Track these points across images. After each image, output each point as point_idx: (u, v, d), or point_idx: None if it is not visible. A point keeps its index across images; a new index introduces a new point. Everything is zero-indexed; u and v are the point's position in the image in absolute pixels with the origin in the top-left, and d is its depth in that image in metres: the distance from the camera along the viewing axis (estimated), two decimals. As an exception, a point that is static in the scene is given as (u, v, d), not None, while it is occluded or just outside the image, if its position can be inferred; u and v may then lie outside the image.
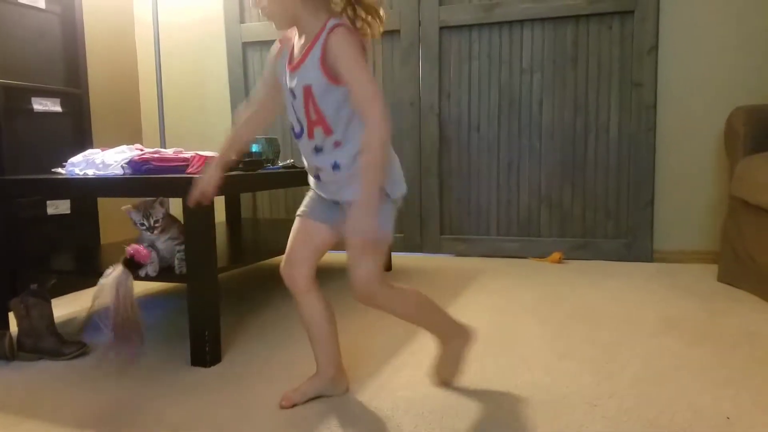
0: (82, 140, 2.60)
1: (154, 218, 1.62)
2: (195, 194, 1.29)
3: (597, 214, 2.91)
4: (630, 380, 1.41)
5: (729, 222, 2.32)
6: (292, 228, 1.30)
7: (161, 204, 1.64)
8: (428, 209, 3.14)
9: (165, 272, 1.66)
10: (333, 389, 1.34)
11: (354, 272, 1.18)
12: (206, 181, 1.29)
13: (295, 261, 1.28)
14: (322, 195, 1.27)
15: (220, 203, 1.39)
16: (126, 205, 1.65)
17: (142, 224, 1.62)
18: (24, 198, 2.31)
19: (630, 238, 2.84)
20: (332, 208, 1.27)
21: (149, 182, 1.62)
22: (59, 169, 2.03)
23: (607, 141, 2.86)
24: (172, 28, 3.43)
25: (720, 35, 2.67)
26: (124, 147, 1.85)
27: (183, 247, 1.60)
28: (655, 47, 2.72)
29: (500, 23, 2.94)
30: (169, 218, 1.67)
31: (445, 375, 1.40)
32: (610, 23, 2.80)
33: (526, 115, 2.96)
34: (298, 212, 1.31)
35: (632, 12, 2.74)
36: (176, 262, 1.63)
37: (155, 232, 1.62)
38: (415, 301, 1.34)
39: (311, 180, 1.29)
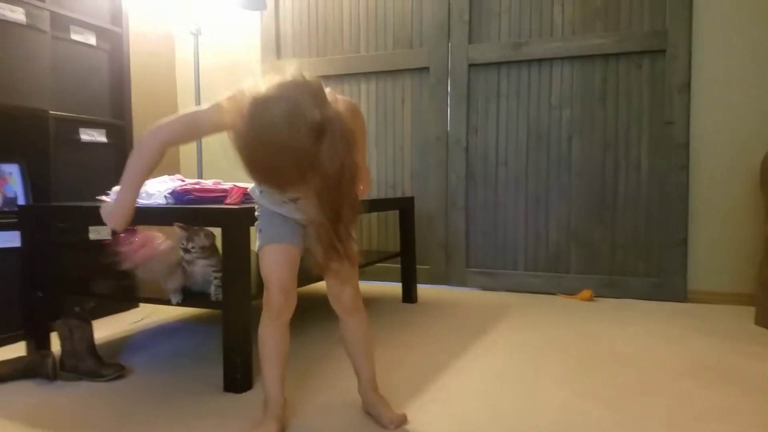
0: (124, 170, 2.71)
1: (193, 244, 1.70)
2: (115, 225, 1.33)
3: (627, 252, 2.90)
4: (656, 423, 1.41)
5: (766, 263, 2.30)
6: (275, 257, 1.32)
7: (206, 236, 1.72)
8: (454, 242, 3.17)
9: (200, 298, 1.73)
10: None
11: (352, 283, 1.36)
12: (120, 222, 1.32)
13: (291, 292, 1.33)
14: (296, 217, 1.31)
15: (254, 233, 1.46)
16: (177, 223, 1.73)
17: (182, 244, 1.70)
18: (68, 224, 2.41)
19: (662, 277, 2.82)
20: (297, 229, 1.33)
21: (190, 212, 1.69)
22: (103, 197, 2.12)
23: (637, 179, 2.87)
24: (211, 65, 3.57)
25: (754, 73, 2.67)
26: (165, 177, 1.93)
27: (219, 275, 1.66)
28: (687, 85, 2.73)
29: (529, 61, 3.00)
30: (214, 248, 1.75)
31: (397, 417, 1.40)
32: (640, 62, 2.83)
33: (554, 151, 2.99)
34: (273, 240, 1.32)
35: (663, 51, 2.77)
36: (212, 288, 1.70)
37: (189, 256, 1.70)
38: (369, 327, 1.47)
39: (282, 207, 1.32)
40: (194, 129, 1.29)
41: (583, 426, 1.39)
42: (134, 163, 1.27)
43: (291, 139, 1.01)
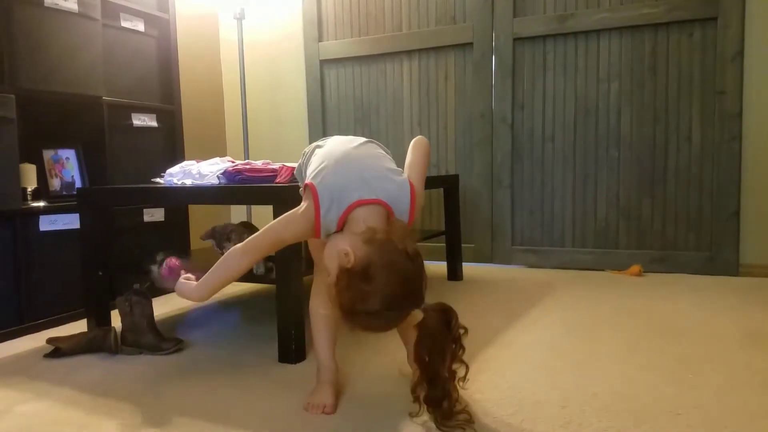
0: (175, 153, 2.79)
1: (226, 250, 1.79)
2: None
3: (678, 226, 2.83)
4: (714, 392, 1.39)
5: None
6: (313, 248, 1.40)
7: (236, 233, 1.80)
8: (499, 220, 3.15)
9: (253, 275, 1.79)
10: None
11: None
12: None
13: None
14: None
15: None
16: (202, 232, 1.83)
17: (217, 250, 1.80)
18: (126, 206, 2.49)
19: (713, 250, 2.75)
20: None
21: (243, 191, 1.73)
22: (157, 179, 2.19)
23: (688, 151, 2.79)
24: (255, 48, 3.61)
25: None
26: (217, 159, 1.99)
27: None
28: (740, 53, 2.63)
29: (575, 33, 2.93)
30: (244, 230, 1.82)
31: None
32: (691, 31, 2.74)
33: (603, 125, 2.93)
34: None
35: (715, 19, 2.67)
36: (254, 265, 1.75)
37: None
38: None
39: None
40: (280, 244, 1.36)
41: (644, 395, 1.38)
42: (219, 273, 1.32)
43: (388, 320, 1.15)
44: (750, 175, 2.69)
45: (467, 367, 1.18)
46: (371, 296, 1.09)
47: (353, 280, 1.11)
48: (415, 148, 1.43)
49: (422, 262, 1.15)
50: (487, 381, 1.49)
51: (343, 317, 1.14)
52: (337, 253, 1.15)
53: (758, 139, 2.66)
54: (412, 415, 1.26)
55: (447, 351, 1.14)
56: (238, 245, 1.31)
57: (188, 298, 1.37)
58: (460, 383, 1.19)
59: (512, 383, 1.48)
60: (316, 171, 1.28)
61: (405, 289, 1.11)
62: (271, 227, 1.29)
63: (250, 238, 1.31)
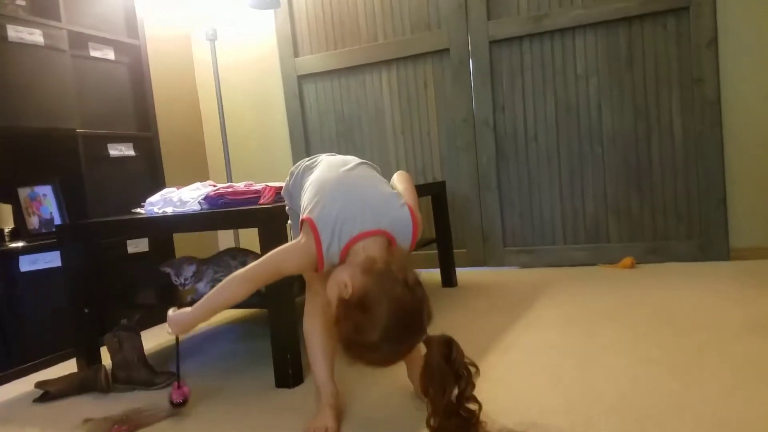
0: (156, 180, 2.74)
1: (184, 277, 1.77)
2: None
3: (667, 216, 2.83)
4: (719, 386, 1.36)
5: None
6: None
7: (187, 262, 1.78)
8: (489, 223, 3.13)
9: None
10: None
11: None
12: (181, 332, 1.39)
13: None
14: None
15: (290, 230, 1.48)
16: (165, 262, 1.83)
17: (176, 281, 1.78)
18: (106, 239, 2.43)
19: (704, 238, 2.75)
20: None
21: (226, 215, 1.69)
22: (138, 209, 2.15)
23: (671, 141, 2.79)
24: (230, 68, 3.57)
25: (783, 22, 2.57)
26: (198, 184, 1.94)
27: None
28: (714, 40, 2.64)
29: (551, 32, 2.93)
30: (200, 264, 1.80)
31: None
32: (665, 22, 2.75)
33: (585, 121, 2.93)
34: None
35: (687, 8, 2.68)
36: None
37: (189, 286, 1.78)
38: None
39: None
40: (280, 274, 1.31)
41: (652, 394, 1.35)
42: (217, 299, 1.30)
43: (387, 353, 1.11)
44: (734, 160, 2.69)
45: (480, 406, 1.14)
46: (368, 327, 1.06)
47: (351, 311, 1.08)
48: (400, 179, 1.40)
49: (424, 293, 1.12)
50: (491, 389, 1.46)
51: (343, 351, 1.11)
52: (336, 285, 1.13)
53: (739, 124, 2.67)
54: None
55: (447, 386, 1.10)
56: (240, 271, 1.28)
57: (182, 323, 1.33)
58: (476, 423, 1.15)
59: (516, 390, 1.45)
60: (312, 204, 1.24)
61: (403, 320, 1.08)
62: (271, 257, 1.26)
63: (251, 265, 1.28)
